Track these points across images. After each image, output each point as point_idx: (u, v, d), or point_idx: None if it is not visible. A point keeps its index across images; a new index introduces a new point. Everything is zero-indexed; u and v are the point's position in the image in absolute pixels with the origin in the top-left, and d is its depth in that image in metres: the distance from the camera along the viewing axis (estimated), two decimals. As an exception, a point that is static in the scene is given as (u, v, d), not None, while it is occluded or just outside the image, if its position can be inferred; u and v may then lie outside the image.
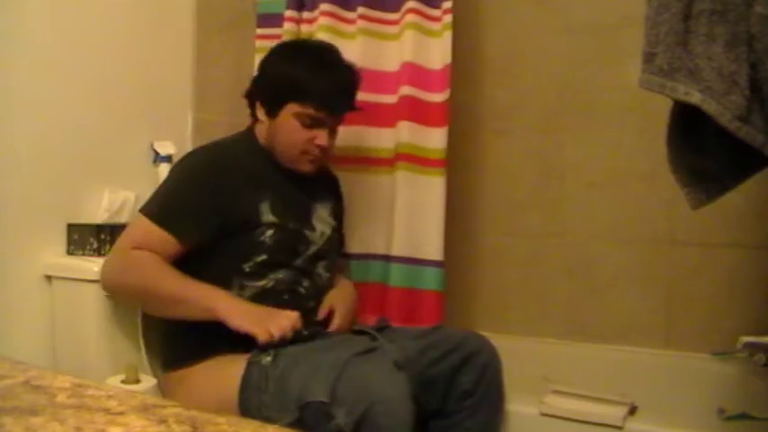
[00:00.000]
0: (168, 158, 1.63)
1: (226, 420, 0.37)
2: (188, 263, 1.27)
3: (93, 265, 1.37)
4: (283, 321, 1.21)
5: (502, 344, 1.41)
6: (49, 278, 1.43)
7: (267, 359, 1.19)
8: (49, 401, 0.40)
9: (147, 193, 1.36)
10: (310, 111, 1.33)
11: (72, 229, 1.47)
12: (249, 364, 1.20)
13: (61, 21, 1.48)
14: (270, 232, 1.32)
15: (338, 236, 1.54)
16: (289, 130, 1.35)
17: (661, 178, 1.68)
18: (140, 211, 1.31)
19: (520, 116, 2.08)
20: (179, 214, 1.28)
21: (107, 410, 0.38)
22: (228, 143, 1.42)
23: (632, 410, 1.37)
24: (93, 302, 1.36)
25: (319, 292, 1.40)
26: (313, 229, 1.41)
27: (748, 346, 1.55)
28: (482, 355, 1.34)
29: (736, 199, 1.28)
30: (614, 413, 1.33)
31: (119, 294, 1.32)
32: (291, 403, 1.13)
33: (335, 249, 1.51)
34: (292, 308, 1.28)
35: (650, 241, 1.88)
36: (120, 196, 1.55)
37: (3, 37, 1.37)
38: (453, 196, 1.68)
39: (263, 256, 1.31)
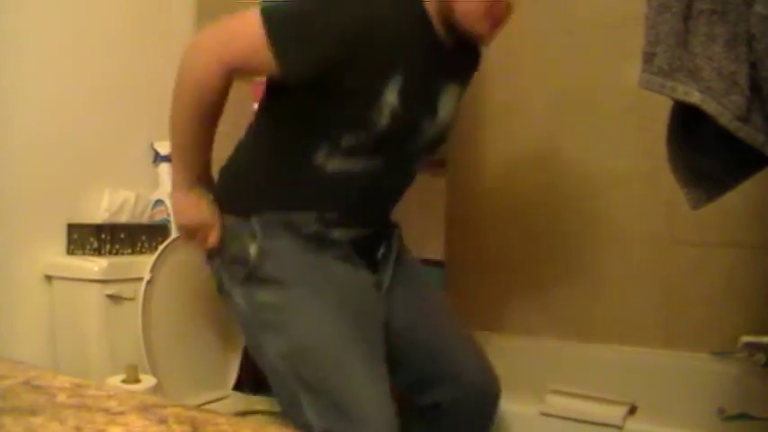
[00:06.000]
0: (168, 158, 1.62)
1: (226, 420, 0.37)
2: (292, 98, 1.14)
3: (93, 265, 1.37)
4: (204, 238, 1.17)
5: (502, 344, 1.41)
6: (49, 278, 1.43)
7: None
8: (49, 401, 0.40)
9: (147, 193, 1.35)
10: None
11: (72, 229, 1.47)
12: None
13: (61, 20, 1.48)
14: (386, 112, 1.11)
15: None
16: None
17: (661, 178, 1.68)
18: (261, 12, 1.06)
19: (520, 116, 2.08)
20: (299, 38, 1.05)
21: (107, 410, 0.38)
22: None
23: (632, 410, 1.37)
24: (93, 302, 1.36)
25: (398, 192, 1.28)
26: (434, 114, 1.20)
27: (748, 346, 1.55)
28: (462, 405, 1.22)
29: (735, 199, 1.27)
30: (614, 413, 1.33)
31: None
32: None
33: (444, 141, 1.31)
34: (366, 200, 1.21)
35: (650, 241, 1.88)
36: (120, 196, 1.55)
37: (3, 37, 1.37)
38: (453, 196, 1.68)
39: (366, 139, 1.13)
